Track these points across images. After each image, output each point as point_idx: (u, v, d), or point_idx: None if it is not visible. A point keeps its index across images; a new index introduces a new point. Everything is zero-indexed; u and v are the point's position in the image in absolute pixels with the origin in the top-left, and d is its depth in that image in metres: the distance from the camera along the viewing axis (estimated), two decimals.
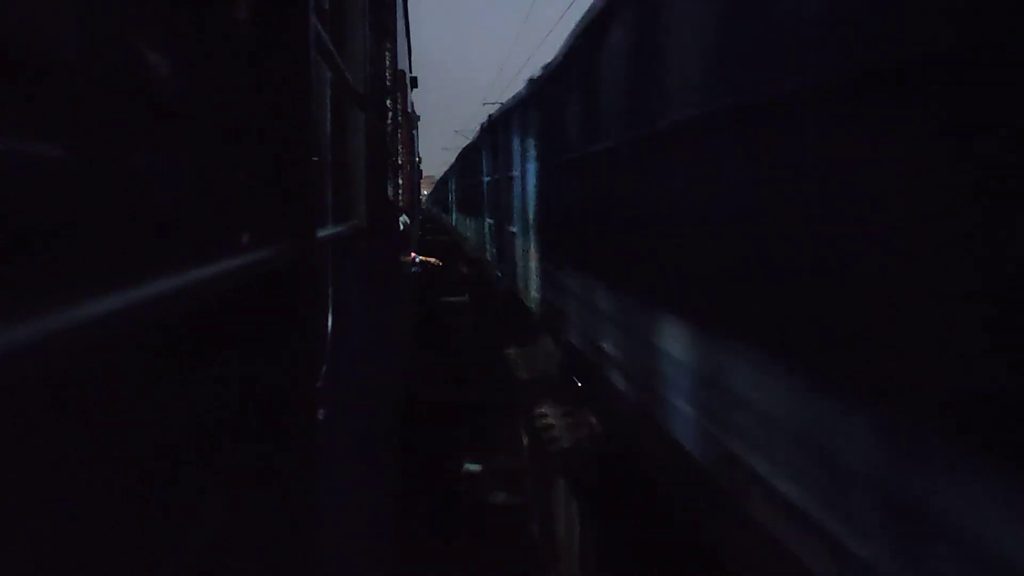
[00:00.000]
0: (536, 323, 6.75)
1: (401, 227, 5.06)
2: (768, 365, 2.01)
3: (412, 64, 8.26)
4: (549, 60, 5.96)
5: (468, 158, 15.19)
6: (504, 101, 9.13)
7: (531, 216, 6.76)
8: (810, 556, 1.77)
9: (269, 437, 0.91)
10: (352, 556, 1.74)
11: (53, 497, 0.48)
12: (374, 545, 2.36)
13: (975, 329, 1.32)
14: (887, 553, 1.50)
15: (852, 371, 1.66)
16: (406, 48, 6.39)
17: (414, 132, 10.58)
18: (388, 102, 3.25)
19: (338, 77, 1.71)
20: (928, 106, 1.42)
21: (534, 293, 6.81)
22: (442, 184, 31.48)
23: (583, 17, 4.36)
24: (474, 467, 5.39)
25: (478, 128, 12.24)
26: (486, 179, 11.96)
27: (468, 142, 15.90)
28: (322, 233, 1.25)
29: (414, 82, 8.87)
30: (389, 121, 3.31)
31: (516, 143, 7.60)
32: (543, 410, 6.13)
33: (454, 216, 21.39)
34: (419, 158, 15.48)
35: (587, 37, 4.26)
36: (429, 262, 13.04)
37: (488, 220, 10.71)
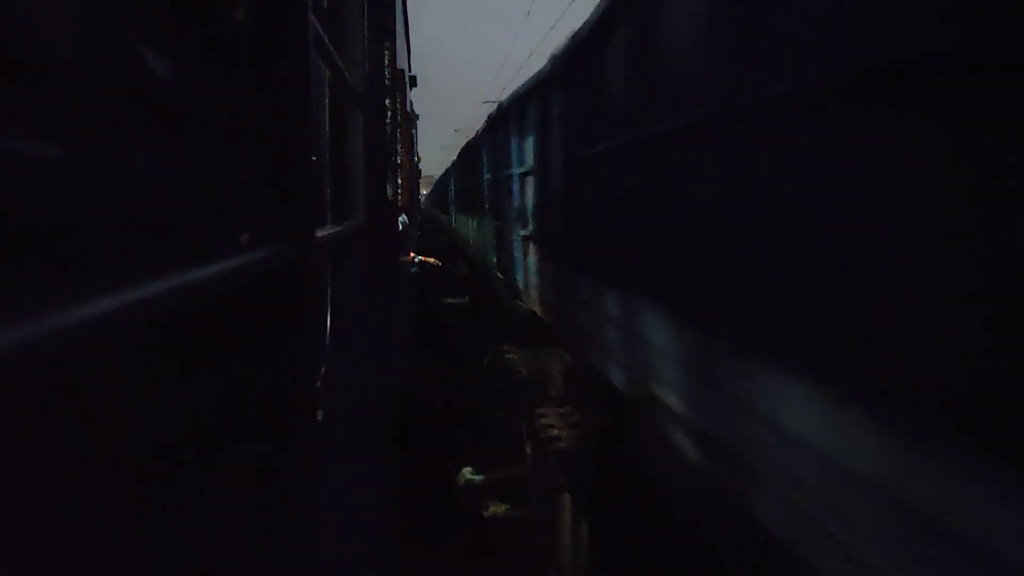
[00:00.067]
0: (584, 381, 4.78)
1: (400, 227, 5.05)
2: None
3: (411, 63, 8.25)
4: (578, 27, 4.75)
5: (471, 155, 14.03)
6: (514, 90, 7.64)
7: (552, 219, 5.57)
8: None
9: (269, 437, 0.91)
10: (352, 556, 1.73)
11: (53, 497, 0.48)
12: (374, 545, 2.36)
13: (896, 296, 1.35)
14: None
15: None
16: (405, 47, 6.38)
17: (413, 131, 10.55)
18: (387, 101, 3.24)
19: (337, 77, 1.71)
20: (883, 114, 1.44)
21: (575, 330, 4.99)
22: (441, 184, 31.38)
23: None
24: (475, 477, 5.27)
25: (485, 120, 11.06)
26: (487, 176, 11.09)
27: (471, 138, 14.88)
28: (321, 233, 1.25)
29: (413, 81, 8.86)
30: (388, 120, 3.30)
31: (535, 133, 6.36)
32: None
33: (453, 216, 21.33)
34: (418, 157, 15.42)
35: None
36: (428, 262, 13.04)
37: (496, 223, 9.69)
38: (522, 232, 7.76)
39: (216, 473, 0.81)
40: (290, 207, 0.97)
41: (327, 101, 1.66)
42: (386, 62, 3.16)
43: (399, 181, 4.92)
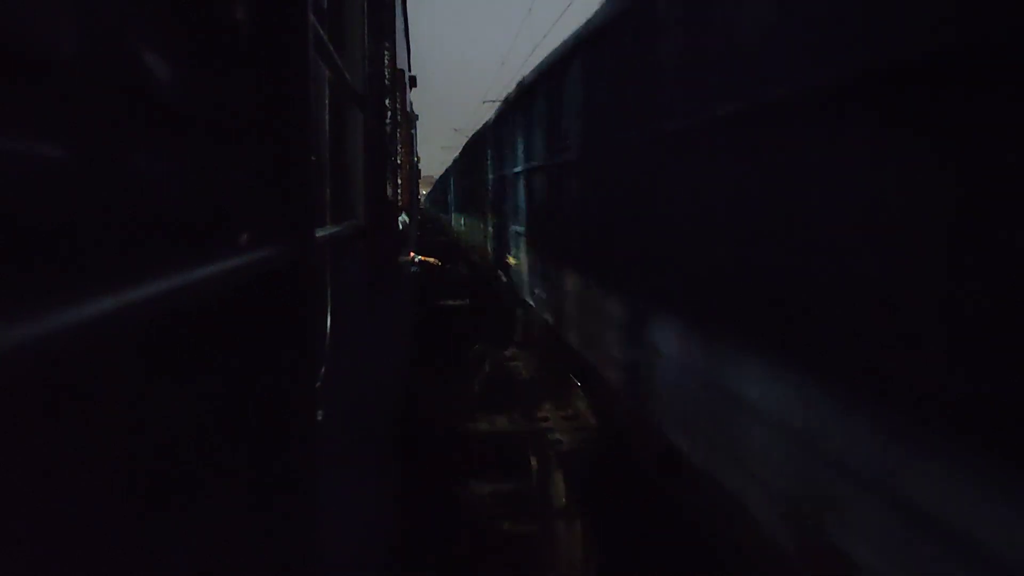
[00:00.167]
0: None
1: (400, 226, 5.05)
2: None
3: (411, 63, 8.23)
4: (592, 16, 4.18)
5: (478, 149, 12.55)
6: (537, 65, 6.52)
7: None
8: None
9: (269, 437, 0.91)
10: (352, 556, 1.73)
11: (53, 497, 0.48)
12: (374, 545, 2.36)
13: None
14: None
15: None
16: (405, 47, 6.38)
17: (413, 132, 10.50)
18: (387, 101, 3.24)
19: (337, 77, 1.71)
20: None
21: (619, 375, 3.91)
22: (441, 184, 31.24)
23: None
24: (481, 489, 5.03)
25: (497, 108, 9.81)
26: (490, 176, 10.19)
27: (474, 134, 13.88)
28: (321, 233, 1.25)
29: (413, 81, 8.84)
30: (388, 120, 3.30)
31: (570, 114, 5.07)
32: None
33: (453, 216, 21.24)
34: (417, 157, 15.36)
35: None
36: (428, 262, 13.04)
37: (515, 228, 8.43)
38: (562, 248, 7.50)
39: (216, 473, 0.81)
40: (290, 207, 0.97)
41: (327, 101, 1.66)
42: (386, 62, 3.16)
43: (399, 181, 4.91)
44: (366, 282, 2.45)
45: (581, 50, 4.69)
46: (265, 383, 0.90)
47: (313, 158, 1.05)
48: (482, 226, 12.22)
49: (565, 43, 5.36)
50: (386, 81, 3.13)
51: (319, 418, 1.10)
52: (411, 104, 9.04)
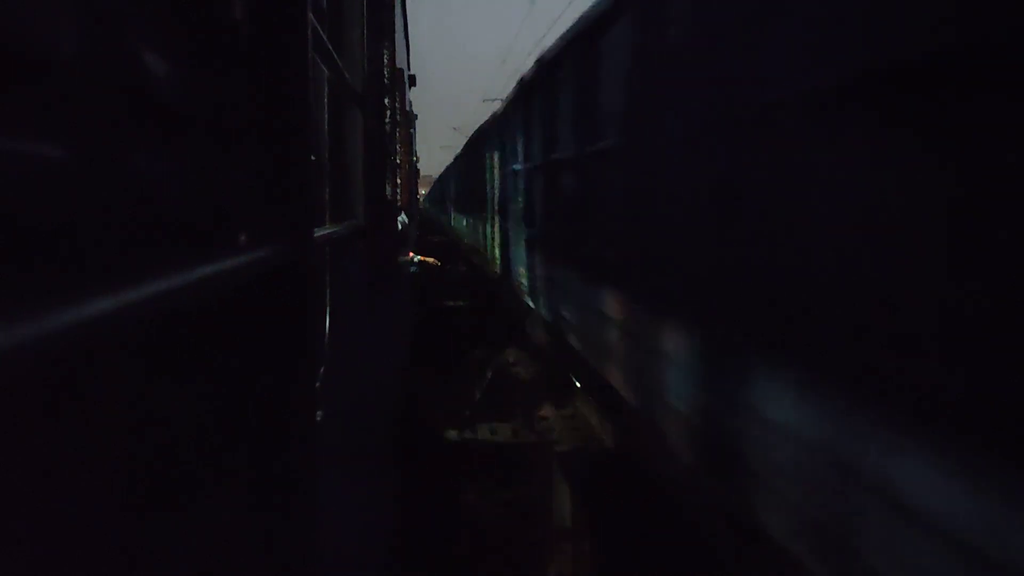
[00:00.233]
0: None
1: (399, 226, 5.05)
2: None
3: (410, 62, 8.21)
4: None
5: (484, 145, 11.10)
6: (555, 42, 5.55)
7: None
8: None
9: (269, 437, 0.91)
10: (352, 556, 1.74)
11: (53, 497, 0.48)
12: (374, 545, 2.36)
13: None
14: None
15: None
16: (404, 46, 6.36)
17: (412, 131, 10.47)
18: (386, 101, 3.24)
19: (336, 76, 1.71)
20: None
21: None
22: (440, 185, 31.10)
23: None
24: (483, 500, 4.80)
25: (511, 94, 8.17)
26: (497, 173, 8.98)
27: (479, 128, 12.18)
28: (321, 233, 1.25)
29: (412, 81, 8.83)
30: (387, 120, 3.30)
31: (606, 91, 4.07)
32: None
33: (452, 217, 21.16)
34: (416, 157, 15.32)
35: None
36: (427, 262, 13.04)
37: (527, 230, 7.18)
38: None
39: (216, 473, 0.81)
40: (289, 207, 0.97)
41: (326, 101, 1.66)
42: (385, 62, 3.16)
43: (398, 181, 4.91)
44: (366, 282, 2.45)
45: None
46: (265, 383, 0.90)
47: (313, 158, 1.05)
48: (489, 232, 10.75)
49: (572, 30, 4.60)
50: (385, 81, 3.13)
51: (319, 418, 1.10)
52: (410, 103, 9.02)
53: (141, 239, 0.63)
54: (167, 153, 0.73)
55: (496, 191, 9.75)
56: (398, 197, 4.76)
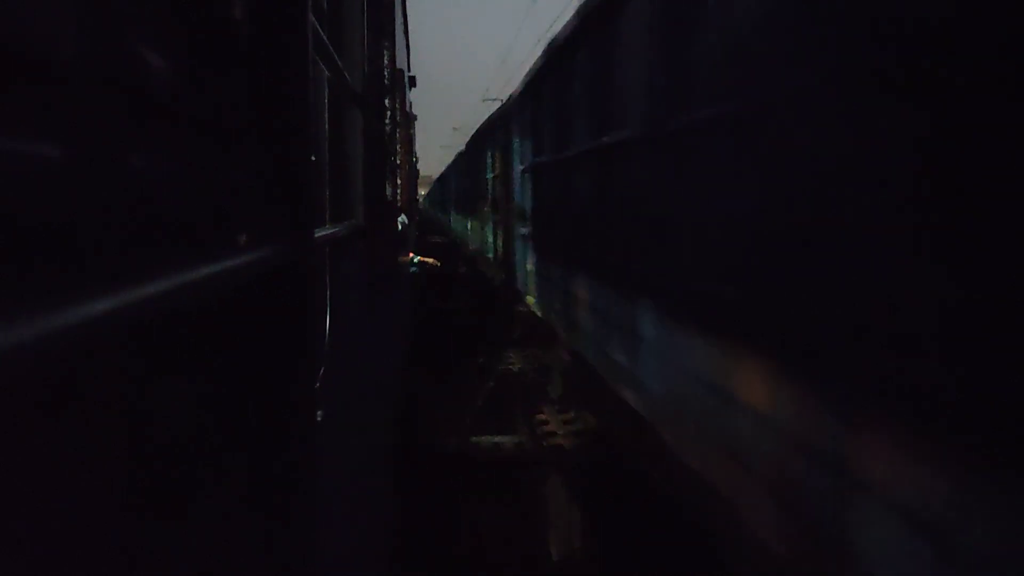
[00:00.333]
0: None
1: (399, 227, 5.05)
2: None
3: (410, 63, 8.21)
4: None
5: (493, 137, 9.93)
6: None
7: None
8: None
9: (269, 437, 0.91)
10: (352, 556, 1.73)
11: (53, 497, 0.48)
12: (374, 545, 2.36)
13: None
14: None
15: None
16: (404, 47, 6.36)
17: (412, 132, 10.45)
18: (386, 102, 3.24)
19: (336, 77, 1.71)
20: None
21: None
22: (440, 186, 31.03)
23: None
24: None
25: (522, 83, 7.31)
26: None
27: (490, 117, 10.80)
28: (321, 233, 1.25)
29: (412, 81, 8.82)
30: (387, 121, 3.30)
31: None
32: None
33: (452, 217, 21.09)
34: (416, 158, 15.26)
35: None
36: (427, 262, 13.05)
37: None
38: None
39: (216, 473, 0.81)
40: (289, 207, 0.97)
41: (326, 101, 1.66)
42: (385, 62, 3.16)
43: (398, 181, 4.91)
44: (365, 282, 2.45)
45: None
46: (265, 383, 0.90)
47: (313, 158, 1.05)
48: (498, 240, 9.36)
49: None
50: (385, 81, 3.13)
51: (319, 418, 1.10)
52: (410, 104, 9.01)
53: (141, 239, 0.63)
54: (167, 153, 0.73)
55: (518, 190, 8.24)
56: (398, 198, 4.76)
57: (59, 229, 0.50)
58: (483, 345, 8.40)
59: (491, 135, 10.64)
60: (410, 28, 7.23)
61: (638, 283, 3.65)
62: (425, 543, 4.00)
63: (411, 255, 10.33)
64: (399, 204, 4.97)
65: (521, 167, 7.49)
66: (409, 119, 8.62)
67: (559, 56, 5.51)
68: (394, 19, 3.77)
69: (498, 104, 9.80)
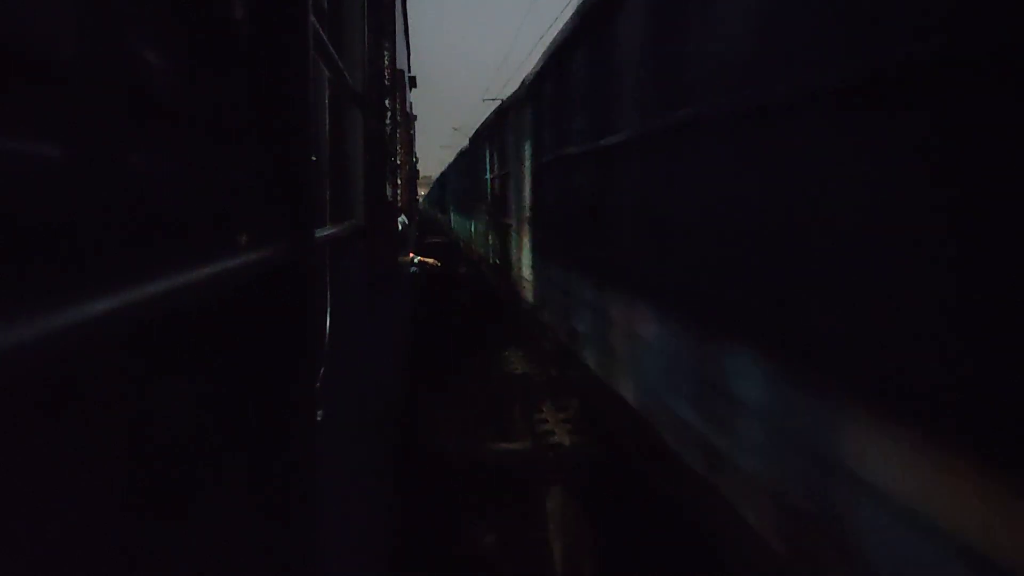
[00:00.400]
0: None
1: (400, 227, 5.05)
2: None
3: (410, 63, 8.21)
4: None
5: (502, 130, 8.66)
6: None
7: None
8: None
9: (269, 437, 0.91)
10: (352, 556, 1.73)
11: (53, 497, 0.48)
12: (374, 545, 2.36)
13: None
14: None
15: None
16: (405, 47, 6.36)
17: (412, 132, 10.44)
18: (387, 102, 3.24)
19: (337, 77, 1.71)
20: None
21: None
22: (440, 184, 31.00)
23: None
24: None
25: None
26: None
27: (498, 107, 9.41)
28: (321, 233, 1.25)
29: (413, 82, 8.82)
30: (388, 121, 3.30)
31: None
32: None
33: (452, 218, 21.07)
34: (416, 158, 15.23)
35: None
36: (427, 262, 13.06)
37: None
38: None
39: (215, 473, 0.81)
40: (290, 207, 0.97)
41: (327, 101, 1.66)
42: (386, 63, 3.16)
43: (398, 181, 4.91)
44: (366, 282, 2.45)
45: None
46: (265, 383, 0.90)
47: (313, 158, 1.05)
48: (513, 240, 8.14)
49: None
50: (386, 81, 3.14)
51: (319, 418, 1.10)
52: (410, 104, 9.00)
53: (141, 239, 0.63)
54: (167, 153, 0.73)
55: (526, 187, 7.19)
56: (398, 198, 4.76)
57: (59, 229, 0.50)
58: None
59: (494, 133, 9.24)
60: (410, 28, 7.22)
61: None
62: (425, 543, 3.99)
63: (411, 255, 10.33)
64: (399, 204, 4.97)
65: (544, 158, 5.99)
66: (409, 119, 8.61)
67: (565, 52, 4.68)
68: (394, 19, 3.77)
69: (497, 104, 9.54)
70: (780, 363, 2.21)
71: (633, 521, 3.92)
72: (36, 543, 0.45)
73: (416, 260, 11.86)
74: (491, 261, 10.47)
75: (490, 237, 10.68)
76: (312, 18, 1.05)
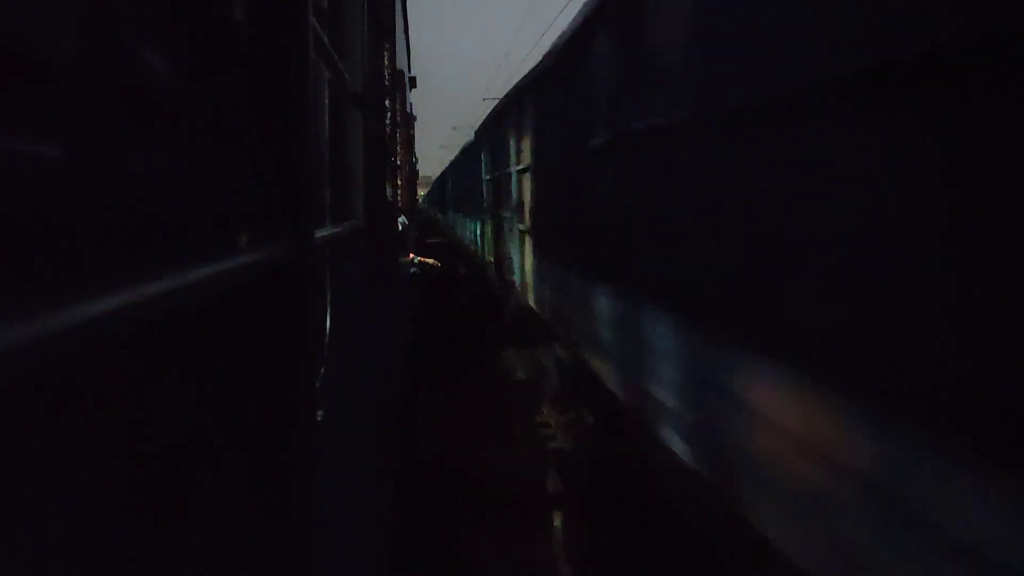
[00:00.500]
0: None
1: (400, 227, 5.05)
2: None
3: (410, 63, 8.20)
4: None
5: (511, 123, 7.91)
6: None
7: None
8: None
9: (269, 437, 0.91)
10: (352, 556, 1.73)
11: (53, 497, 0.48)
12: (374, 545, 2.36)
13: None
14: None
15: None
16: (405, 48, 6.35)
17: (412, 132, 10.43)
18: (387, 102, 3.24)
19: (337, 77, 1.71)
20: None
21: None
22: (439, 184, 30.96)
23: None
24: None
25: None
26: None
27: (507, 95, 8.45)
28: (321, 233, 1.25)
29: (412, 82, 8.81)
30: (388, 121, 3.31)
31: None
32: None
33: (451, 216, 21.00)
34: (415, 158, 15.20)
35: None
36: (427, 263, 13.07)
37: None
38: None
39: (215, 473, 0.81)
40: (290, 207, 0.97)
41: (327, 102, 1.66)
42: (385, 63, 3.16)
43: (398, 182, 4.91)
44: (365, 282, 2.45)
45: None
46: (265, 383, 0.90)
47: (313, 158, 1.05)
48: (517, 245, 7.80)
49: None
50: (386, 82, 3.14)
51: (319, 418, 1.10)
52: (410, 104, 9.00)
53: (141, 239, 0.63)
54: (167, 153, 0.73)
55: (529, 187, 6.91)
56: (398, 198, 4.76)
57: (59, 229, 0.50)
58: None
59: (500, 129, 8.40)
60: (410, 28, 7.22)
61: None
62: (425, 543, 3.99)
63: (411, 255, 10.34)
64: (399, 205, 4.97)
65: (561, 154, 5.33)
66: (409, 119, 8.61)
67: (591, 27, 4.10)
68: (394, 20, 3.77)
69: (497, 103, 9.44)
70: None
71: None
72: (36, 543, 0.45)
73: (416, 260, 11.87)
74: (487, 259, 10.72)
75: (490, 236, 11.10)
76: (312, 19, 1.05)
